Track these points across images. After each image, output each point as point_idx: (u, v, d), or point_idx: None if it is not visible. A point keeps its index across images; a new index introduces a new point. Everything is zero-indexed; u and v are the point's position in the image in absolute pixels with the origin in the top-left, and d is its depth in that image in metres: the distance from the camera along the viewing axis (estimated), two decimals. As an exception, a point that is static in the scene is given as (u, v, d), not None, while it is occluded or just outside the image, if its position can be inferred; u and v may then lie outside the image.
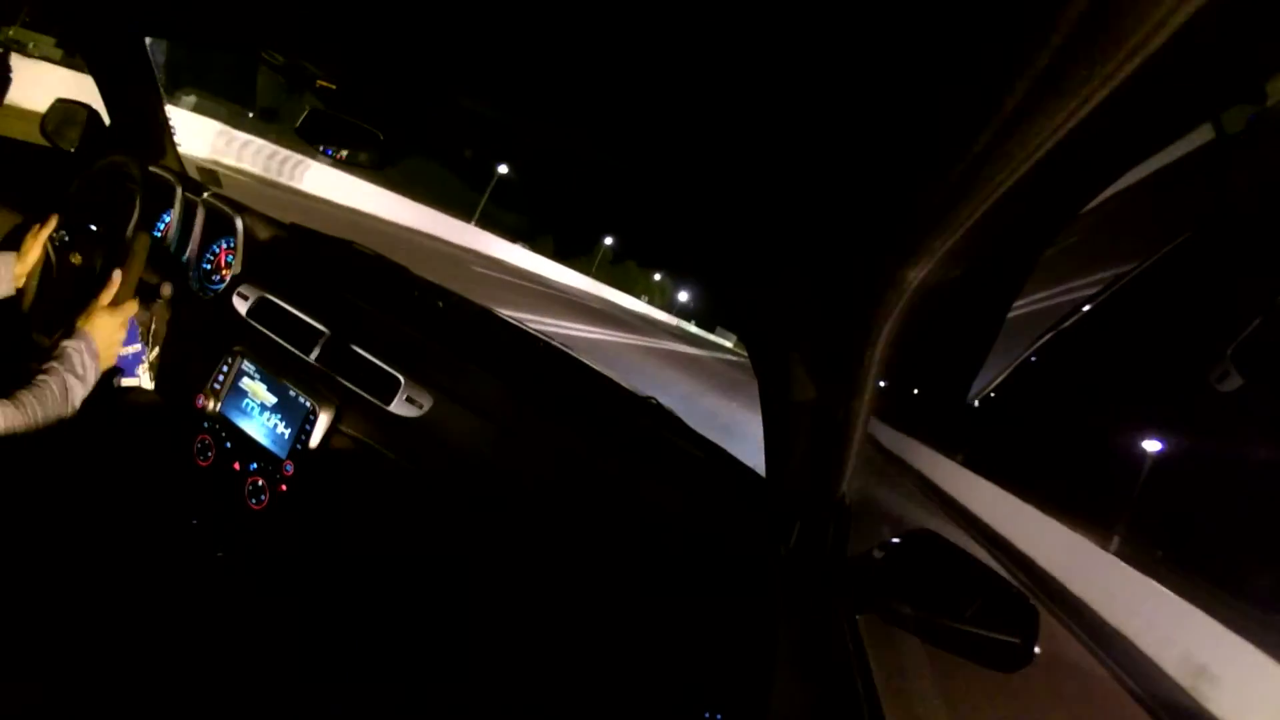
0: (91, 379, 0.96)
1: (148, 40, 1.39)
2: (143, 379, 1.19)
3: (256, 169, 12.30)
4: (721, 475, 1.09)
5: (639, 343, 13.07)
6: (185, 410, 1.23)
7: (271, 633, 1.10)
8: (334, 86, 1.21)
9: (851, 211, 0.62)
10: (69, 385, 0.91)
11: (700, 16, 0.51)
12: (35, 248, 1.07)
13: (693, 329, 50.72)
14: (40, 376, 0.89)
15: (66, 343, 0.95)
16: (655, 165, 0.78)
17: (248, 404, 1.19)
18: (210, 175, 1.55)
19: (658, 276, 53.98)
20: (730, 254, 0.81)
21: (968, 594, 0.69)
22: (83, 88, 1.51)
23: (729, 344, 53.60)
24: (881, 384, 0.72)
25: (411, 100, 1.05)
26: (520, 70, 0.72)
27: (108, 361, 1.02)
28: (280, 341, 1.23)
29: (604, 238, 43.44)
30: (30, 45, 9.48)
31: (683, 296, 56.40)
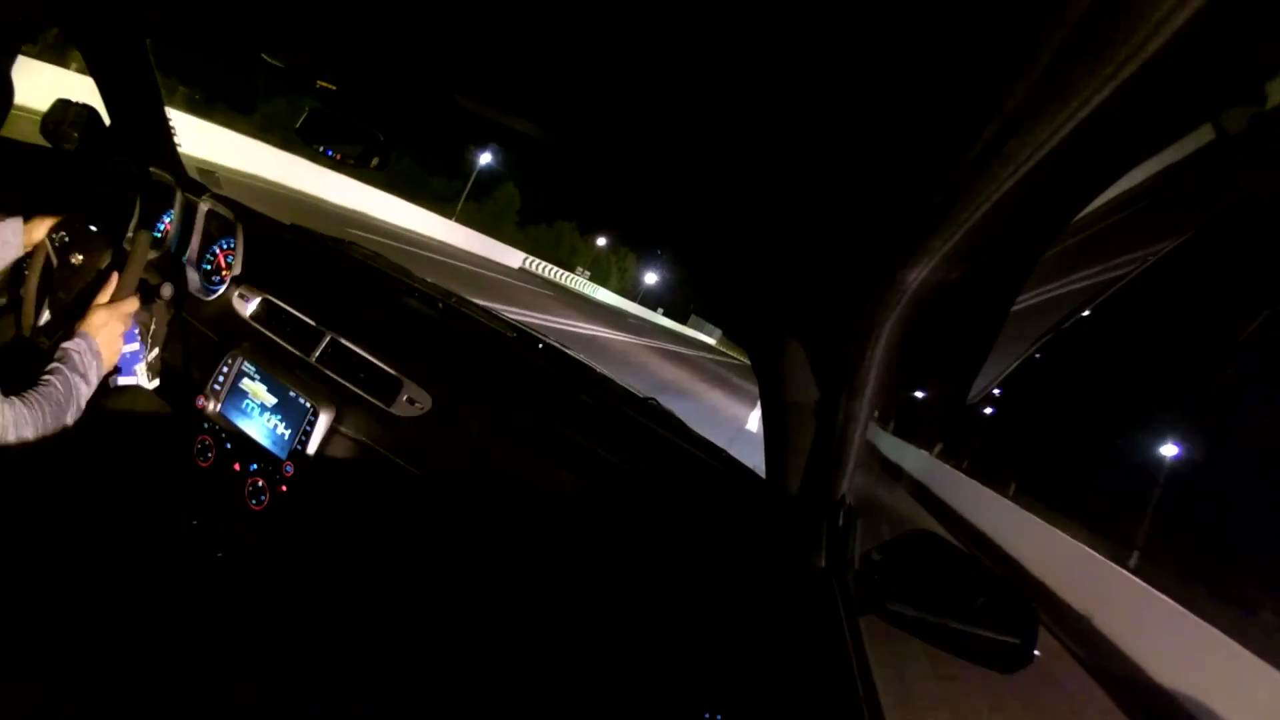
0: (94, 379, 0.97)
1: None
2: (142, 379, 1.19)
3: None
4: (721, 476, 1.09)
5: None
6: (185, 410, 1.23)
7: (272, 633, 1.10)
8: (334, 87, 1.21)
9: (852, 212, 0.62)
10: (74, 385, 0.91)
11: (701, 13, 0.51)
12: (41, 226, 1.09)
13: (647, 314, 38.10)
14: (45, 378, 0.89)
15: (67, 344, 0.95)
16: (648, 165, 0.78)
17: (248, 404, 1.19)
18: (210, 176, 1.55)
19: (602, 241, 38.91)
20: (729, 254, 0.81)
21: (968, 594, 0.69)
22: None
23: (711, 340, 42.56)
24: (881, 385, 0.72)
25: (411, 101, 1.05)
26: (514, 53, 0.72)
27: (110, 361, 1.02)
28: (280, 342, 1.23)
29: (480, 155, 26.39)
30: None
31: (650, 279, 43.64)
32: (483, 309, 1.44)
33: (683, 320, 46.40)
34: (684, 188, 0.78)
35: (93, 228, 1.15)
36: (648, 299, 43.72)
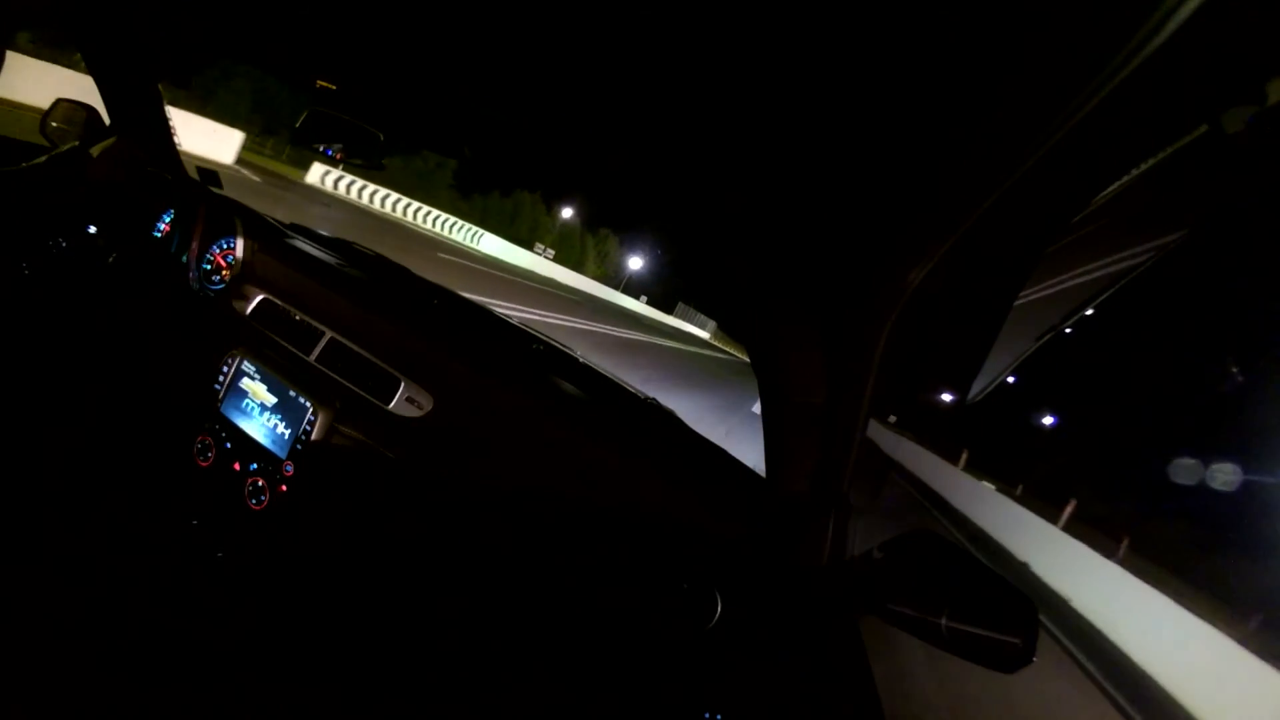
0: None
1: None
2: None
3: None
4: (722, 476, 1.09)
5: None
6: (185, 410, 1.23)
7: (271, 633, 1.10)
8: (334, 87, 1.21)
9: (853, 213, 0.62)
10: None
11: (703, 17, 0.52)
12: (42, 226, 1.07)
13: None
14: None
15: None
16: (654, 158, 0.78)
17: (248, 404, 1.19)
18: (210, 175, 1.55)
19: (568, 213, 31.56)
20: (732, 252, 0.81)
21: (968, 594, 0.69)
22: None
23: (703, 333, 39.63)
24: (881, 384, 0.72)
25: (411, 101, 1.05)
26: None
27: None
28: (280, 341, 1.23)
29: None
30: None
31: (635, 264, 37.84)
32: (482, 308, 1.44)
33: (667, 310, 41.84)
34: (689, 186, 0.78)
35: (91, 229, 1.15)
36: (631, 287, 37.83)
